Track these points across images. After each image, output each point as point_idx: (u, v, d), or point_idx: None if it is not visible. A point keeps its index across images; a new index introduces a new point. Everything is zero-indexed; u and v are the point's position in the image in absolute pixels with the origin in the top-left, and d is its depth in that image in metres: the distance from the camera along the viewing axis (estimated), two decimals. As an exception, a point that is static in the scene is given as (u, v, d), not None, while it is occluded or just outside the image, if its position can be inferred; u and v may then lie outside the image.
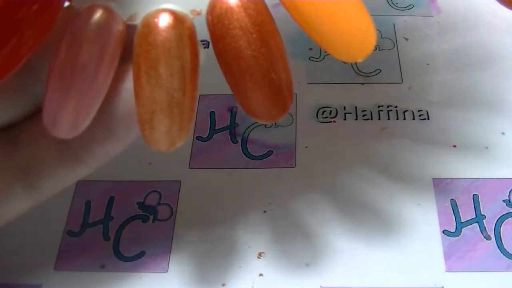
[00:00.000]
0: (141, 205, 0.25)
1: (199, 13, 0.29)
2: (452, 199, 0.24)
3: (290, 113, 0.28)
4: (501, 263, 0.23)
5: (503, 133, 0.26)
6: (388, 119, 0.27)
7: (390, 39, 0.31)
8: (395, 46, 0.30)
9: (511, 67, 0.29)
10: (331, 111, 0.28)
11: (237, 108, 0.28)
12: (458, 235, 0.23)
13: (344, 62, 0.30)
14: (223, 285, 0.23)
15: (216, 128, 0.28)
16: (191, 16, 0.15)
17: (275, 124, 0.28)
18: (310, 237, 0.24)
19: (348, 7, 0.14)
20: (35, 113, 0.17)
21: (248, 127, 0.27)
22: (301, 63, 0.30)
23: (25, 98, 0.17)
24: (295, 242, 0.24)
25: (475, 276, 0.22)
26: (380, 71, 0.29)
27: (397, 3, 0.32)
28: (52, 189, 0.18)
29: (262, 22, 0.15)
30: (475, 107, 0.27)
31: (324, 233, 0.24)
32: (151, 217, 0.25)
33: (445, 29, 0.31)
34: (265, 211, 0.25)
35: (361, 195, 0.25)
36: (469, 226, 0.24)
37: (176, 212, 0.25)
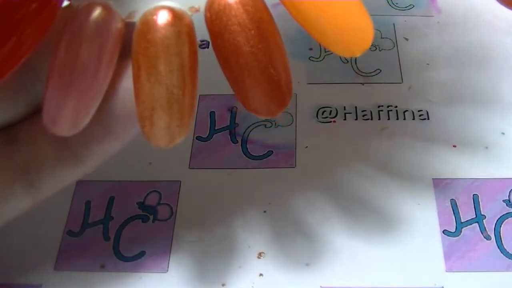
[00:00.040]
0: (141, 205, 0.25)
1: (197, 10, 0.29)
2: (452, 199, 0.24)
3: (290, 113, 0.28)
4: (501, 263, 0.23)
5: (503, 133, 0.26)
6: (388, 119, 0.27)
7: (390, 39, 0.31)
8: (395, 46, 0.30)
9: (511, 67, 0.29)
10: (331, 111, 0.28)
11: (237, 108, 0.28)
12: (458, 235, 0.23)
13: (344, 62, 0.30)
14: (223, 285, 0.23)
15: (216, 128, 0.28)
16: (189, 13, 0.15)
17: (275, 124, 0.28)
18: (310, 237, 0.24)
19: (345, 1, 0.14)
20: (35, 113, 0.17)
21: (248, 127, 0.27)
22: (301, 63, 0.30)
23: (24, 97, 0.17)
24: (295, 242, 0.24)
25: (475, 276, 0.22)
26: (380, 71, 0.29)
27: (397, 3, 0.32)
28: (52, 188, 0.18)
29: (260, 19, 0.15)
30: (475, 107, 0.27)
31: (324, 233, 0.24)
32: (151, 217, 0.25)
33: (445, 29, 0.31)
34: (265, 211, 0.25)
35: (361, 195, 0.25)
36: (469, 226, 0.24)
37: (176, 212, 0.25)
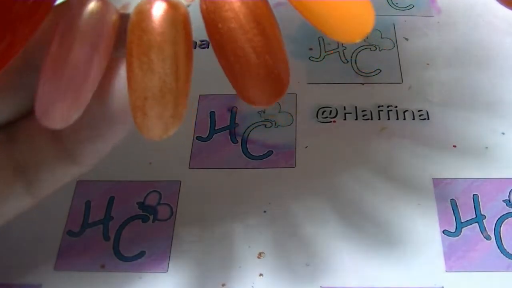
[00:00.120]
0: (141, 205, 0.25)
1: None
2: (452, 199, 0.24)
3: (290, 113, 0.28)
4: (501, 263, 0.23)
5: (503, 133, 0.26)
6: (388, 119, 0.27)
7: (390, 39, 0.31)
8: (395, 46, 0.30)
9: (511, 67, 0.29)
10: (331, 111, 0.28)
11: (237, 108, 0.28)
12: (458, 235, 0.23)
13: (344, 62, 0.30)
14: (223, 285, 0.23)
15: (216, 128, 0.28)
16: (185, 3, 0.15)
17: (275, 124, 0.28)
18: (310, 237, 0.24)
19: None
20: (33, 111, 0.17)
21: (248, 127, 0.27)
22: (301, 63, 0.30)
23: (24, 96, 0.17)
24: (295, 242, 0.24)
25: (475, 276, 0.22)
26: (380, 71, 0.29)
27: (397, 3, 0.32)
28: (51, 187, 0.18)
29: (255, 5, 0.14)
30: (475, 107, 0.27)
31: (324, 233, 0.24)
32: (151, 217, 0.25)
33: (445, 29, 0.31)
34: (265, 211, 0.25)
35: (361, 195, 0.25)
36: (469, 226, 0.24)
37: (176, 212, 0.25)
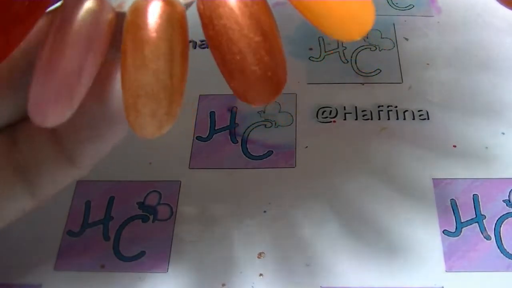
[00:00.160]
0: (141, 205, 0.25)
1: None
2: (452, 199, 0.24)
3: (290, 113, 0.28)
4: (501, 263, 0.23)
5: (503, 133, 0.26)
6: (388, 119, 0.27)
7: (390, 39, 0.31)
8: (395, 46, 0.30)
9: (511, 67, 0.29)
10: (331, 111, 0.28)
11: (237, 108, 0.28)
12: (458, 235, 0.23)
13: (344, 62, 0.30)
14: (223, 285, 0.23)
15: (216, 128, 0.28)
16: (183, 2, 0.15)
17: (275, 124, 0.28)
18: (310, 237, 0.24)
19: None
20: None
21: (248, 127, 0.27)
22: (301, 63, 0.30)
23: (24, 96, 0.17)
24: (295, 242, 0.24)
25: (475, 276, 0.22)
26: (380, 71, 0.29)
27: (397, 3, 0.32)
28: (52, 189, 0.18)
29: (252, 2, 0.14)
30: (475, 107, 0.27)
31: (324, 233, 0.24)
32: (151, 217, 0.25)
33: (445, 29, 0.31)
34: (265, 211, 0.25)
35: (361, 195, 0.25)
36: (469, 226, 0.24)
37: (176, 212, 0.25)
